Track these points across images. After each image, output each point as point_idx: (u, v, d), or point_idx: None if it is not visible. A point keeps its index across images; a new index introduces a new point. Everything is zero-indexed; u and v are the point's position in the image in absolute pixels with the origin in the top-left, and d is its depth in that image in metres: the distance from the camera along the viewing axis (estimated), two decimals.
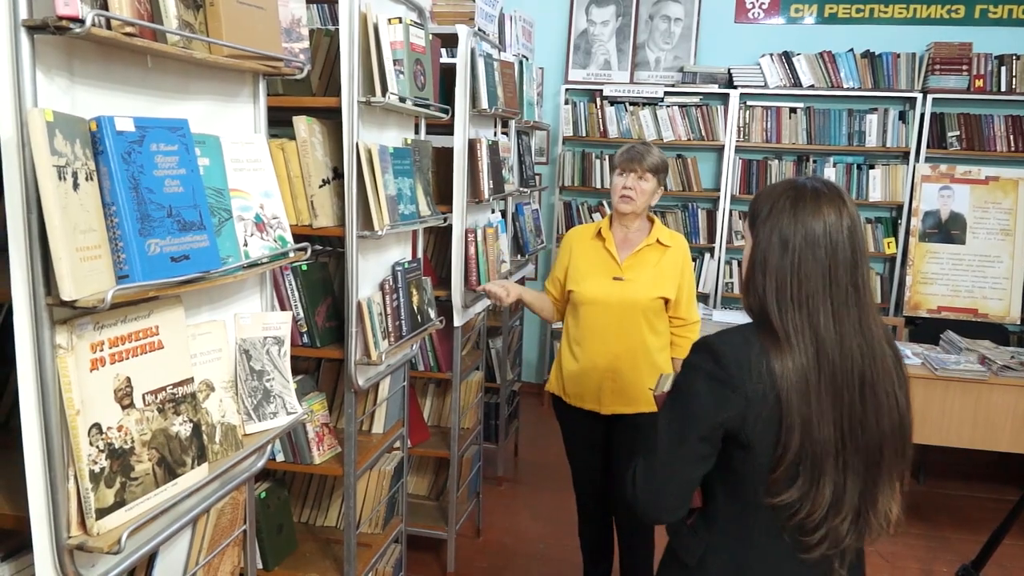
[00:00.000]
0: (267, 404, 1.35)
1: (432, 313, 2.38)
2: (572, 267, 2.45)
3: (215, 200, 1.23)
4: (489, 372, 3.74)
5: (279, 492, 2.18)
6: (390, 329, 2.12)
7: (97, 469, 1.01)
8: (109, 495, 1.03)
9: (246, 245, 1.29)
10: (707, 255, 4.87)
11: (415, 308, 2.24)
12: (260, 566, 2.11)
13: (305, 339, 2.03)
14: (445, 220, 2.38)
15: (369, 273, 2.07)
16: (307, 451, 2.07)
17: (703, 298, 4.82)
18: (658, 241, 2.41)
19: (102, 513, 1.02)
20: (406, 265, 2.20)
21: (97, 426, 1.02)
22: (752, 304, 1.25)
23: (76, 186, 0.96)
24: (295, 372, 1.73)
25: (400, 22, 1.99)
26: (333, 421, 2.26)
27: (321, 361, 2.32)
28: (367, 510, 2.30)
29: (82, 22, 0.89)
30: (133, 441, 1.07)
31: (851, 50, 4.54)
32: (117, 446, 1.05)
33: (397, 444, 2.44)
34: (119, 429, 1.05)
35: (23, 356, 0.96)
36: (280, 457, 2.08)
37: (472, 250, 2.83)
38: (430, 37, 2.22)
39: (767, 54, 4.61)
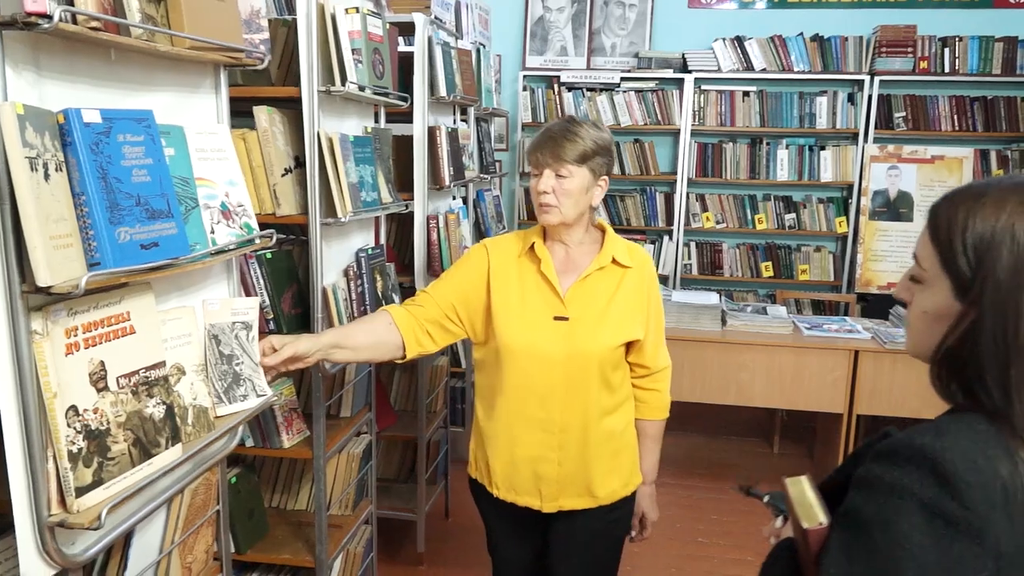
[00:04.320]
0: (237, 387, 1.39)
1: (396, 298, 2.43)
2: (495, 297, 1.73)
3: (182, 189, 1.26)
4: (455, 357, 3.79)
5: (249, 477, 2.22)
6: (355, 314, 2.17)
7: (75, 449, 1.05)
8: (87, 474, 1.07)
9: (213, 232, 1.33)
10: (666, 238, 4.97)
11: (379, 294, 2.29)
12: (233, 549, 2.15)
13: (272, 326, 2.06)
14: (407, 207, 2.42)
15: (333, 260, 2.11)
16: (276, 436, 2.12)
17: (661, 280, 4.92)
18: (614, 261, 1.73)
19: (81, 491, 1.06)
20: (369, 251, 2.25)
21: (74, 408, 1.06)
22: (965, 390, 0.85)
23: (47, 177, 0.99)
24: None
25: (357, 12, 2.03)
26: (301, 406, 2.30)
27: None
28: (337, 492, 2.35)
29: (50, 18, 0.92)
30: (109, 423, 1.11)
31: (801, 34, 4.66)
32: (93, 427, 1.09)
33: (365, 428, 2.49)
34: (95, 411, 1.09)
35: (0, 342, 1.00)
36: (250, 442, 2.12)
37: (434, 236, 2.88)
38: (387, 26, 2.25)
39: (720, 39, 4.71)
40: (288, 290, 2.10)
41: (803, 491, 0.94)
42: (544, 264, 1.72)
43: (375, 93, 2.12)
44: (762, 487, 1.27)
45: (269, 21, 2.08)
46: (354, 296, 2.17)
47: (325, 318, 2.03)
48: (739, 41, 4.69)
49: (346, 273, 2.17)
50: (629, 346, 1.75)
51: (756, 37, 4.67)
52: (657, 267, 4.91)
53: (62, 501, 1.05)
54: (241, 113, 1.98)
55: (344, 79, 1.97)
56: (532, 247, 1.75)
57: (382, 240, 2.51)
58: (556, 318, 1.70)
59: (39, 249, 0.95)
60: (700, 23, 4.88)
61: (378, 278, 2.29)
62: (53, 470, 1.04)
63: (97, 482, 1.08)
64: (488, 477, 1.81)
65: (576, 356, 1.68)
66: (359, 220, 2.24)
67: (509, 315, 1.72)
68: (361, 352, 1.73)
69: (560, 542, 1.82)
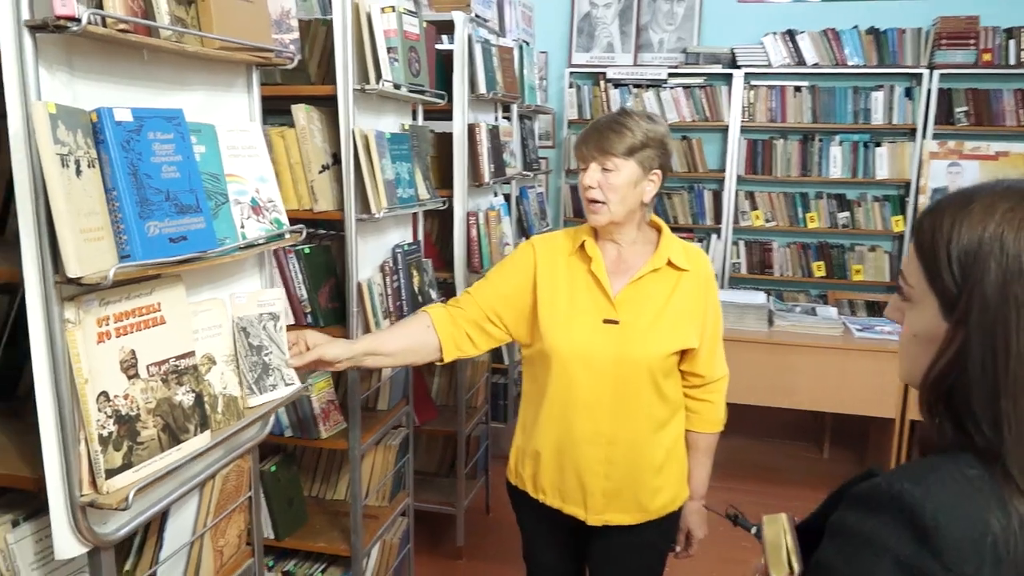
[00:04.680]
0: (267, 377, 1.43)
1: (434, 294, 2.46)
2: (542, 298, 1.66)
3: (212, 185, 1.31)
4: (497, 353, 3.81)
5: (289, 467, 2.28)
6: (391, 309, 2.20)
7: (105, 433, 1.10)
8: (117, 457, 1.12)
9: (243, 227, 1.37)
10: (714, 236, 4.90)
11: (416, 289, 2.32)
12: (272, 536, 2.21)
13: (309, 319, 2.11)
14: (444, 203, 2.45)
15: (369, 255, 2.15)
16: (314, 427, 2.17)
17: None
18: (669, 263, 1.64)
19: (111, 473, 1.11)
20: (406, 247, 2.28)
21: (105, 394, 1.11)
22: (955, 423, 0.75)
23: (79, 173, 1.04)
24: None
25: (393, 10, 2.06)
26: (339, 398, 2.35)
27: None
28: (374, 483, 2.39)
29: (79, 21, 0.97)
30: (139, 408, 1.16)
31: (856, 27, 4.54)
32: (124, 413, 1.13)
33: (403, 422, 2.53)
34: (125, 397, 1.14)
35: (35, 330, 1.05)
36: (288, 432, 2.18)
37: (474, 233, 2.90)
38: (424, 24, 2.28)
39: (770, 33, 4.62)
40: (325, 284, 2.14)
41: (779, 532, 0.87)
42: (595, 264, 1.63)
43: (411, 91, 2.15)
44: (775, 511, 1.04)
45: (309, 21, 2.13)
46: (390, 291, 2.20)
47: (360, 312, 2.07)
48: (790, 35, 4.59)
49: (382, 268, 2.21)
50: (683, 354, 1.66)
51: (808, 31, 4.57)
52: None
53: (93, 482, 1.10)
54: (282, 111, 2.04)
55: (379, 77, 2.00)
56: (582, 246, 1.66)
57: (419, 236, 2.54)
58: (606, 321, 1.61)
59: (69, 241, 1.00)
60: (750, 17, 4.80)
61: (415, 274, 2.32)
62: (85, 452, 1.09)
63: (127, 465, 1.13)
64: (533, 482, 1.74)
65: (625, 362, 1.59)
66: (395, 216, 2.27)
67: (555, 317, 1.64)
68: (397, 357, 1.69)
69: (601, 554, 1.75)
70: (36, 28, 0.97)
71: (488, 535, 3.31)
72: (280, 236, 1.45)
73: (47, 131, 0.98)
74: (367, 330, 2.08)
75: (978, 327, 0.72)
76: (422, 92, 2.24)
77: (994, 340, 0.71)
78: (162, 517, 1.47)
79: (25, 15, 0.97)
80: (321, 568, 2.30)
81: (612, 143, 1.56)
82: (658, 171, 1.62)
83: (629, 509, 1.68)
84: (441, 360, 1.71)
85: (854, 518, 0.74)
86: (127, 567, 1.49)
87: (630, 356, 1.59)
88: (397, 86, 2.08)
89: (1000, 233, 0.72)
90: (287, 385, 1.46)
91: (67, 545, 1.11)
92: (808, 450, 4.29)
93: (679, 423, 1.73)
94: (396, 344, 1.68)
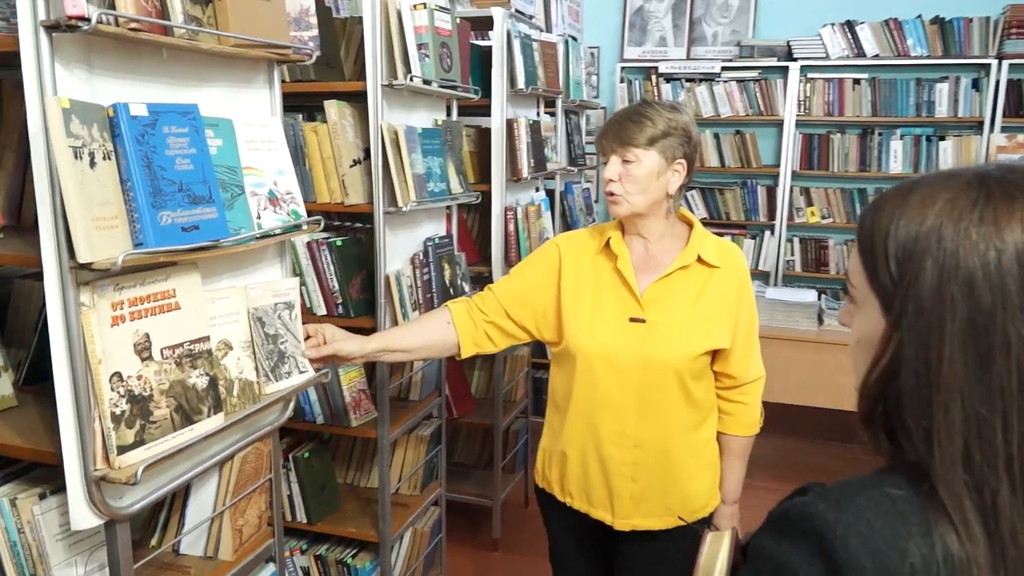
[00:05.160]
0: (282, 365, 1.48)
1: (466, 287, 2.49)
2: (566, 296, 1.63)
3: (227, 177, 1.36)
4: (539, 347, 3.83)
5: (322, 454, 2.34)
6: (420, 301, 2.24)
7: (118, 412, 1.16)
8: (129, 435, 1.18)
9: (259, 218, 1.42)
10: (767, 233, 4.79)
11: (447, 281, 2.35)
12: (304, 520, 2.28)
13: (340, 310, 2.17)
14: (478, 198, 2.47)
15: (399, 248, 2.19)
16: (344, 415, 2.22)
17: (762, 276, 4.76)
18: (699, 259, 1.58)
19: (123, 450, 1.17)
20: (437, 240, 2.31)
21: (118, 374, 1.17)
22: (890, 436, 0.70)
23: (93, 164, 1.10)
24: None
25: (425, 7, 2.09)
26: (373, 389, 2.40)
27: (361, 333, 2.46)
28: (405, 472, 2.43)
29: (88, 20, 1.02)
30: (152, 389, 1.22)
31: (919, 16, 4.37)
32: (136, 392, 1.19)
33: (436, 413, 2.57)
34: (139, 378, 1.20)
35: (53, 313, 1.12)
36: (320, 420, 2.24)
37: (511, 227, 2.92)
38: (457, 21, 2.31)
39: (828, 24, 4.49)
40: (357, 276, 2.19)
41: (717, 551, 0.82)
42: (621, 261, 1.59)
43: (442, 86, 2.18)
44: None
45: (345, 19, 2.19)
46: (420, 283, 2.24)
47: (388, 304, 2.11)
48: (850, 26, 4.45)
49: (412, 261, 2.25)
50: (715, 355, 1.61)
51: (868, 21, 4.42)
52: (758, 263, 4.75)
53: (106, 458, 1.17)
54: (320, 107, 2.10)
55: (408, 73, 2.04)
56: (608, 243, 1.62)
57: (453, 229, 2.57)
58: (632, 320, 1.56)
59: (80, 228, 1.05)
60: (807, 8, 4.67)
61: (446, 267, 2.36)
62: (99, 429, 1.16)
63: (138, 442, 1.19)
64: (560, 484, 1.70)
65: (652, 363, 1.54)
66: (427, 210, 2.31)
67: (580, 316, 1.60)
68: (414, 353, 1.70)
69: (628, 559, 1.69)
70: (51, 28, 1.03)
71: (525, 528, 3.33)
72: (297, 227, 1.50)
73: (60, 125, 1.04)
74: (395, 322, 2.12)
75: (911, 330, 0.65)
76: (454, 87, 2.27)
77: (928, 344, 0.64)
78: (184, 496, 1.54)
79: (41, 15, 1.03)
80: (352, 553, 2.35)
81: (632, 134, 1.53)
82: (682, 160, 1.57)
83: (658, 513, 1.62)
84: (459, 356, 1.72)
85: (768, 541, 0.69)
86: (153, 542, 1.57)
87: (656, 356, 1.54)
88: (428, 82, 2.11)
89: (938, 226, 0.65)
90: (301, 373, 1.51)
91: (82, 516, 1.17)
92: (866, 453, 4.15)
93: (711, 426, 1.67)
94: (414, 340, 1.68)
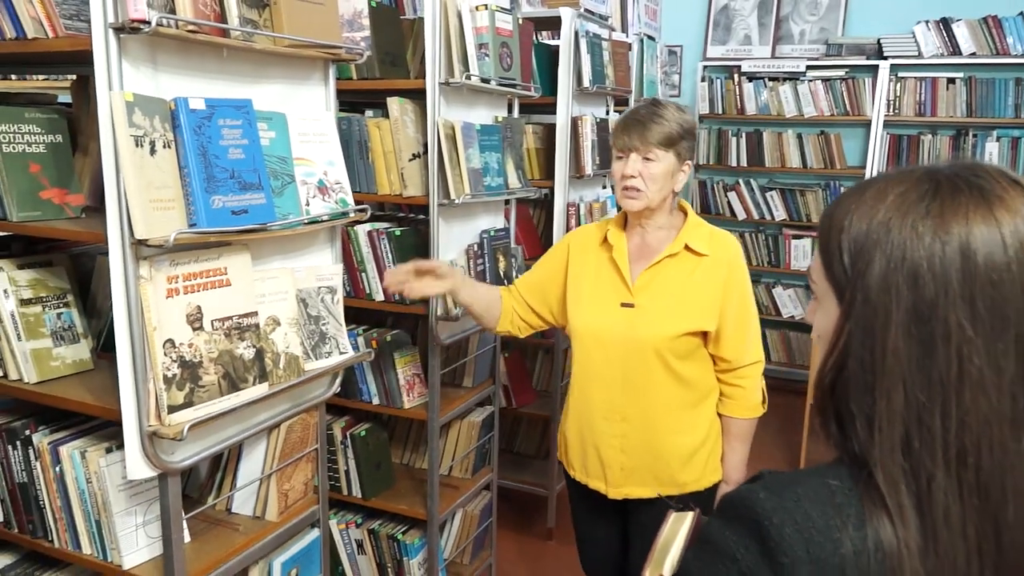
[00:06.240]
0: (323, 345, 1.60)
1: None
2: (570, 285, 1.82)
3: (278, 166, 1.48)
4: None
5: (378, 433, 2.46)
6: None
7: (170, 375, 1.30)
8: (179, 396, 1.31)
9: (307, 205, 1.53)
10: None
11: (500, 273, 2.43)
12: (359, 495, 2.41)
13: (396, 297, 2.28)
14: (535, 193, 2.53)
15: (455, 239, 2.28)
16: (399, 397, 2.33)
17: None
18: (687, 247, 1.70)
19: (173, 409, 1.30)
20: (493, 232, 2.39)
21: (171, 341, 1.30)
22: (839, 426, 0.71)
23: (153, 152, 1.23)
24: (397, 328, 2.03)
25: (486, 8, 2.17)
26: (429, 375, 2.51)
27: (418, 319, 2.57)
28: (457, 455, 2.53)
29: (149, 23, 1.15)
30: (201, 356, 1.35)
31: (1021, 13, 4.14)
32: (187, 359, 1.32)
33: (489, 400, 2.65)
34: (189, 346, 1.33)
35: (116, 283, 1.25)
36: (376, 400, 2.36)
37: (573, 223, 2.97)
38: (520, 21, 2.38)
39: (922, 21, 4.32)
40: None
41: (677, 531, 0.84)
42: (616, 251, 1.75)
43: (501, 84, 2.26)
44: None
45: (412, 20, 2.29)
46: (474, 273, 2.32)
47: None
48: (945, 23, 4.27)
49: (468, 252, 2.33)
50: (706, 338, 1.71)
51: (965, 19, 4.22)
52: None
53: (159, 416, 1.30)
54: (383, 104, 2.21)
55: (466, 71, 2.12)
56: (606, 236, 1.79)
57: (511, 223, 2.64)
58: (623, 304, 1.72)
59: (137, 208, 1.19)
60: (900, 5, 4.50)
61: (500, 259, 2.43)
62: (153, 390, 1.29)
63: (187, 403, 1.32)
64: (567, 458, 1.88)
65: (634, 342, 1.69)
66: (486, 203, 2.39)
67: (579, 301, 1.79)
68: (477, 303, 1.90)
69: (634, 530, 1.84)
70: (118, 29, 1.16)
71: None
72: (345, 215, 1.61)
73: (123, 116, 1.17)
74: (444, 309, 2.22)
75: (858, 319, 0.67)
76: (512, 86, 2.34)
77: (873, 333, 0.66)
78: (237, 460, 1.68)
79: (110, 18, 1.16)
80: (403, 530, 2.46)
81: (653, 133, 1.64)
82: (689, 161, 1.73)
83: (648, 483, 1.75)
84: (494, 330, 1.95)
85: (714, 526, 0.72)
86: (210, 500, 1.71)
87: (637, 336, 1.69)
88: (486, 80, 2.19)
89: (888, 220, 0.67)
90: (341, 353, 1.61)
91: (137, 468, 1.31)
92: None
93: (709, 406, 1.78)
94: (483, 293, 1.92)
